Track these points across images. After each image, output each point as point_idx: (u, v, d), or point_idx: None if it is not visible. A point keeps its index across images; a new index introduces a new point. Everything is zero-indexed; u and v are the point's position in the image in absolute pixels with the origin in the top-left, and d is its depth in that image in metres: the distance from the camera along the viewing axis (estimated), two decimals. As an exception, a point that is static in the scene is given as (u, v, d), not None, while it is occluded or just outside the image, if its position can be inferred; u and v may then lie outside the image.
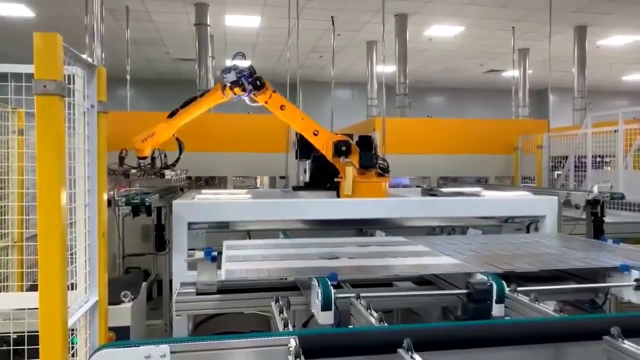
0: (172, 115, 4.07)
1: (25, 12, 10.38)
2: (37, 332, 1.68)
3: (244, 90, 3.87)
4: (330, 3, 9.76)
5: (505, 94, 14.55)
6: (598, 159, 6.17)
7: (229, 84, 3.86)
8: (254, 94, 3.89)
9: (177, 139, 4.31)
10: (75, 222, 1.98)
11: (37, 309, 1.68)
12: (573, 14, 10.50)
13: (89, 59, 2.13)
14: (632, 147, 5.60)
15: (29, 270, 2.84)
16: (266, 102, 3.99)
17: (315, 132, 4.03)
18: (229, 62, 4.12)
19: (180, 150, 4.46)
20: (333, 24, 9.40)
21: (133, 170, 4.09)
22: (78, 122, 2.00)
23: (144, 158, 4.12)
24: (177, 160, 4.41)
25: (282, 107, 4.02)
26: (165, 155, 4.64)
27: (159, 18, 10.89)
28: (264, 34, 11.95)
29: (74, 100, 1.96)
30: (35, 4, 9.95)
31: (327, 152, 3.95)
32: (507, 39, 11.63)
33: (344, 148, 3.86)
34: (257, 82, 3.89)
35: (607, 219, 3.84)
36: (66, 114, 1.77)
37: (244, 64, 3.98)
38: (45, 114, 1.59)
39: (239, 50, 4.29)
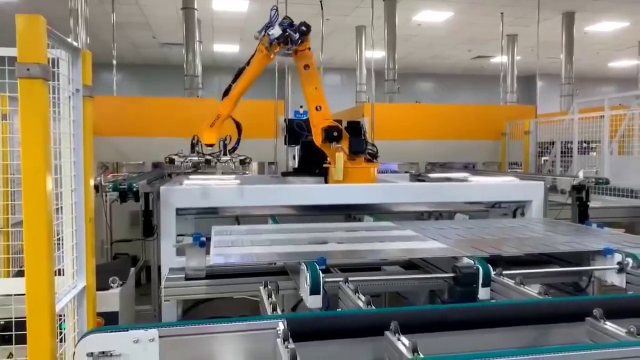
0: (226, 93, 3.88)
1: (8, -6, 10.16)
2: (25, 317, 1.68)
3: (291, 41, 3.71)
4: (319, -13, 9.66)
5: (493, 80, 14.58)
6: (584, 144, 6.24)
7: (275, 40, 3.69)
8: (300, 41, 3.73)
9: (234, 120, 4.06)
10: (61, 207, 1.96)
11: (24, 294, 1.67)
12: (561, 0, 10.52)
13: (74, 43, 2.10)
14: (617, 133, 5.66)
15: (16, 256, 2.82)
16: (296, 53, 3.84)
17: (318, 107, 3.97)
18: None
19: (239, 131, 4.16)
20: (322, 8, 9.32)
21: (208, 157, 3.83)
22: (63, 106, 1.98)
23: (212, 145, 3.88)
24: (237, 143, 4.11)
25: (306, 67, 3.92)
26: (225, 143, 4.30)
27: (145, 2, 10.72)
28: (252, 19, 11.81)
29: (58, 84, 1.94)
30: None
31: (317, 135, 3.92)
32: (496, 25, 11.62)
33: (335, 134, 3.82)
34: (304, 27, 3.74)
35: (592, 204, 3.90)
36: (51, 98, 1.74)
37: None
38: (29, 97, 1.57)
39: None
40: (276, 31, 3.68)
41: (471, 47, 15.09)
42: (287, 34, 3.69)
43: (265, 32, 3.73)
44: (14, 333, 2.18)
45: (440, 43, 14.56)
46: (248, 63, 3.86)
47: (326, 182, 4.12)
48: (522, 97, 14.67)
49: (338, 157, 3.82)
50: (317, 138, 3.91)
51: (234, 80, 3.88)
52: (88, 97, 2.10)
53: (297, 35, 3.70)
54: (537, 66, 9.36)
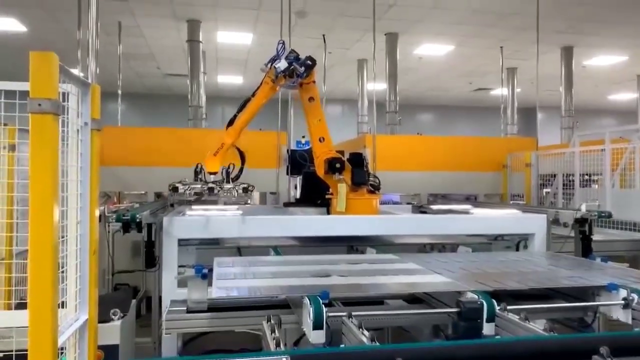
0: (231, 123, 3.92)
1: (17, 26, 10.37)
2: (26, 350, 1.66)
3: (296, 75, 3.77)
4: (321, 21, 9.88)
5: (494, 112, 14.73)
6: (586, 177, 6.25)
7: (281, 73, 3.75)
8: (305, 75, 3.80)
9: (237, 149, 4.09)
10: (66, 239, 1.97)
11: (25, 327, 1.66)
12: (560, 34, 10.71)
13: (82, 74, 2.14)
14: (618, 166, 5.68)
15: (16, 288, 2.81)
16: (301, 85, 3.90)
17: (321, 139, 3.99)
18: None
19: (243, 160, 4.18)
20: (324, 41, 9.49)
21: (211, 185, 3.77)
22: (71, 139, 2.00)
23: (215, 173, 3.88)
24: (240, 171, 4.10)
25: (310, 99, 3.97)
26: (228, 171, 4.18)
27: (150, 34, 10.94)
28: (256, 51, 12.03)
29: (67, 118, 1.97)
30: (28, 19, 9.95)
31: (319, 166, 3.93)
32: (496, 58, 11.82)
33: (338, 165, 3.84)
34: (309, 61, 3.80)
35: (595, 237, 3.88)
36: (60, 131, 1.77)
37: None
38: (40, 132, 1.59)
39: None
40: (282, 64, 3.75)
41: (472, 79, 15.29)
42: (292, 67, 3.76)
43: (272, 64, 3.80)
44: (13, 366, 2.16)
45: (441, 76, 14.76)
46: (253, 94, 3.93)
47: (328, 212, 4.13)
48: (523, 128, 14.80)
49: (341, 188, 3.83)
50: (320, 169, 3.93)
51: (239, 110, 3.94)
52: (96, 130, 2.13)
53: (302, 69, 3.77)
54: (537, 99, 9.46)
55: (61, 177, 1.81)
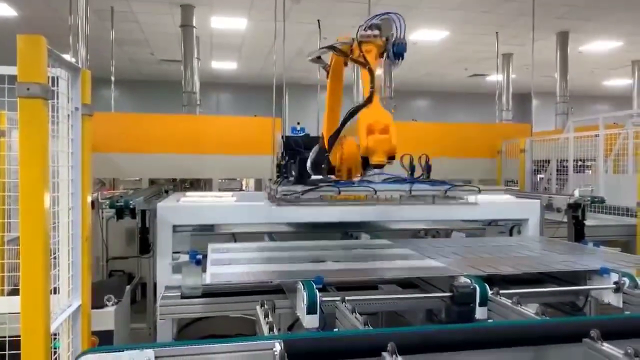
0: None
1: (8, 11, 10.22)
2: (19, 336, 1.66)
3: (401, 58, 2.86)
4: (316, 7, 9.78)
5: (489, 98, 14.71)
6: (579, 162, 6.27)
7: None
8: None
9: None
10: (58, 225, 1.96)
11: (18, 313, 1.66)
12: (556, 20, 10.65)
13: (73, 59, 2.12)
14: (612, 151, 5.70)
15: (10, 274, 2.80)
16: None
17: None
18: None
19: None
20: (319, 27, 9.42)
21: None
22: (62, 124, 1.98)
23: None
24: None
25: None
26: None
27: (144, 19, 10.81)
28: (250, 37, 11.92)
29: (57, 103, 1.94)
30: (19, 3, 9.81)
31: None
32: (491, 44, 11.76)
33: None
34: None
35: (587, 222, 3.90)
36: (50, 116, 1.75)
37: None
38: (29, 116, 1.57)
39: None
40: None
41: (467, 65, 15.23)
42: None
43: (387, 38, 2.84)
44: (7, 352, 2.16)
45: (437, 62, 14.69)
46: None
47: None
48: (518, 114, 14.80)
49: None
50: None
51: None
52: (87, 116, 2.11)
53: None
54: (532, 84, 9.44)
55: (52, 162, 1.79)
